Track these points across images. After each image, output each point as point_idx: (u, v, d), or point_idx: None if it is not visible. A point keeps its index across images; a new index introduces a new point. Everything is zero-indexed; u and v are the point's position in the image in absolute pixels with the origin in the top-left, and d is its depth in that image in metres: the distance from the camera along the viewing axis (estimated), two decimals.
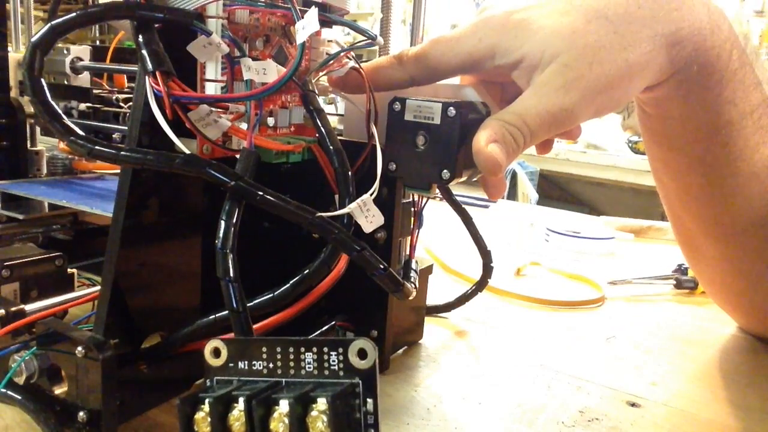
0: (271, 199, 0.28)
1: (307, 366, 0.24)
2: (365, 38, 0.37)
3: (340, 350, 0.23)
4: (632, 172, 2.40)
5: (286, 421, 0.22)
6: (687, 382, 0.44)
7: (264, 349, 0.24)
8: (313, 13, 0.31)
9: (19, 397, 0.31)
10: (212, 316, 0.31)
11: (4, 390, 0.31)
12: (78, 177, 0.58)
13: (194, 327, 0.32)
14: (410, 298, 0.37)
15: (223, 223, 0.28)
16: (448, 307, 0.51)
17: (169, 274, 0.35)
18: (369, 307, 0.40)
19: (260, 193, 0.28)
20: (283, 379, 0.24)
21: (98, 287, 0.36)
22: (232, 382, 0.24)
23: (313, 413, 0.22)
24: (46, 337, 0.31)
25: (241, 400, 0.22)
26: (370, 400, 0.23)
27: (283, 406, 0.22)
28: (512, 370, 0.43)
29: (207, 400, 0.22)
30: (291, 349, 0.24)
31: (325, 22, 0.35)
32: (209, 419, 0.22)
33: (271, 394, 0.23)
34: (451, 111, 0.34)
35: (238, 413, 0.22)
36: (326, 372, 0.24)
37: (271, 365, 0.24)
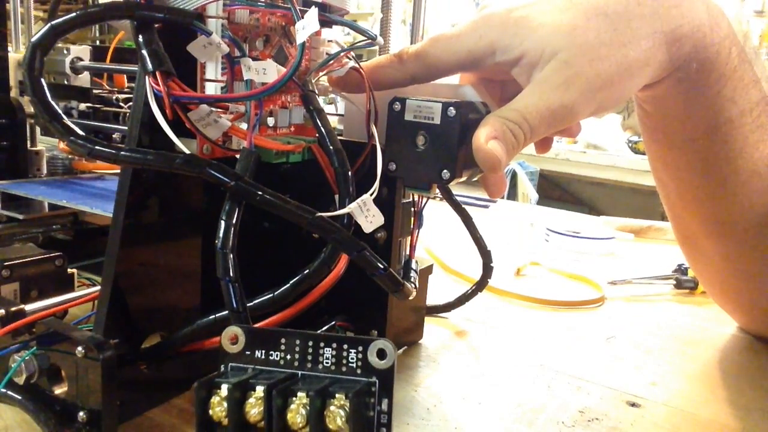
0: (271, 199, 0.28)
1: (324, 361, 0.24)
2: (365, 38, 0.37)
3: (360, 348, 0.24)
4: (632, 172, 2.40)
5: (304, 412, 0.22)
6: (687, 382, 0.44)
7: (283, 341, 0.24)
8: (313, 13, 0.31)
9: (19, 397, 0.31)
10: (212, 316, 0.31)
11: (4, 390, 0.31)
12: (78, 177, 0.58)
13: (194, 327, 0.32)
14: (410, 298, 0.37)
15: (223, 223, 0.28)
16: (448, 307, 0.51)
17: (169, 274, 0.35)
18: (369, 307, 0.40)
19: (260, 193, 0.28)
20: (300, 372, 0.24)
21: (98, 287, 0.36)
22: (247, 369, 0.24)
23: (332, 408, 0.22)
24: (46, 337, 0.31)
25: (259, 388, 0.22)
26: (385, 400, 0.23)
27: (303, 398, 0.22)
28: (512, 370, 0.43)
29: (225, 386, 0.22)
30: (310, 343, 0.24)
31: (325, 22, 0.35)
32: (225, 404, 0.22)
33: (290, 386, 0.23)
34: (451, 111, 0.34)
35: (255, 401, 0.22)
36: (344, 369, 0.24)
37: (288, 357, 0.24)
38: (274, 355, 0.24)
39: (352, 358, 0.24)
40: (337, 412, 0.22)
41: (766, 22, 2.50)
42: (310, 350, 0.24)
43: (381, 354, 0.23)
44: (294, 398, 0.22)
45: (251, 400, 0.23)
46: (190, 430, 0.33)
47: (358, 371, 0.24)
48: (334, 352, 0.24)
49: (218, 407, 0.23)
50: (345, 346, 0.24)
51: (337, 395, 0.22)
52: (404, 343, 0.45)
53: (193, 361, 0.33)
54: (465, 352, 0.46)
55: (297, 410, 0.22)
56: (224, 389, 0.22)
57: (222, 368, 0.25)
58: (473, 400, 0.38)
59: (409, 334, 0.45)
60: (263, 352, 0.25)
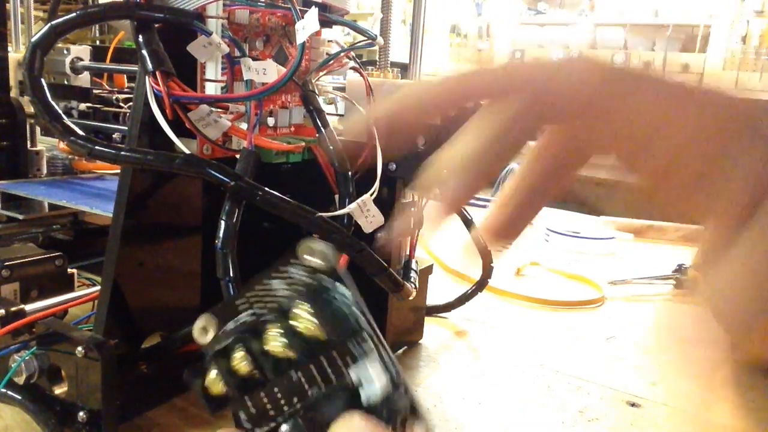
0: (271, 199, 0.28)
1: (279, 290, 0.24)
2: (365, 38, 0.37)
3: (293, 260, 0.24)
4: None
5: (280, 336, 0.22)
6: (687, 382, 0.44)
7: (240, 302, 0.25)
8: (313, 13, 0.31)
9: (19, 397, 0.31)
10: None
11: (4, 390, 0.31)
12: (78, 177, 0.58)
13: None
14: (410, 298, 0.37)
15: (223, 223, 0.28)
16: (448, 307, 0.51)
17: (169, 274, 0.35)
18: (369, 307, 0.40)
19: (260, 193, 0.28)
20: (265, 311, 0.25)
21: (98, 287, 0.36)
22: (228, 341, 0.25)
23: (296, 311, 0.23)
24: (46, 337, 0.31)
25: (234, 345, 0.23)
26: (338, 284, 0.24)
27: (273, 327, 0.23)
28: (512, 370, 0.43)
29: (210, 362, 0.23)
30: (258, 287, 0.25)
31: (325, 22, 0.35)
32: (219, 376, 0.23)
33: (257, 325, 0.23)
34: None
35: (240, 356, 0.23)
36: (297, 286, 0.24)
37: (252, 310, 0.25)
38: (243, 317, 0.25)
39: (295, 273, 0.24)
40: (304, 315, 0.22)
41: (766, 22, 2.49)
42: (263, 288, 0.25)
43: (312, 253, 0.24)
44: (266, 333, 0.23)
45: (237, 356, 0.23)
46: (190, 430, 0.33)
47: (308, 280, 0.24)
48: (280, 276, 0.24)
49: (216, 383, 0.23)
50: (282, 267, 0.24)
51: (296, 302, 0.23)
52: (404, 343, 0.45)
53: (194, 361, 0.33)
54: (465, 352, 0.46)
55: (275, 338, 0.23)
56: (210, 364, 0.23)
57: (207, 357, 0.26)
58: (473, 400, 0.38)
59: (409, 334, 0.45)
60: (234, 321, 0.25)
